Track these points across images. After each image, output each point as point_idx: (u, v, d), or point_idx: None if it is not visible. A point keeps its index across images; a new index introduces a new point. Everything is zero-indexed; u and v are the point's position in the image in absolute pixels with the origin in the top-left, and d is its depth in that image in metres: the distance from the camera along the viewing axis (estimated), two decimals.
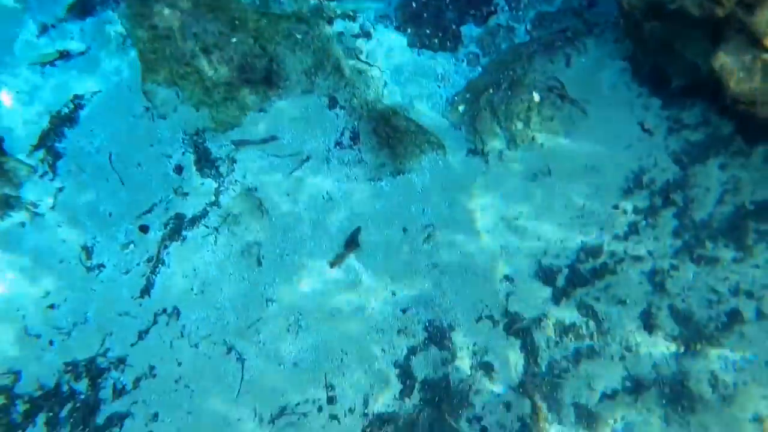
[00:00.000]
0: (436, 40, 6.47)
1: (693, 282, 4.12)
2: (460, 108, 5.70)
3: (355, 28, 6.65)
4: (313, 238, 5.01)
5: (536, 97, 5.05)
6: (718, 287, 4.03)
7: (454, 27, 6.56)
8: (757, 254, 4.11)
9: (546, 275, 4.49)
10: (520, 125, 5.10)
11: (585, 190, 4.71)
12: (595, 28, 5.74)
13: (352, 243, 4.95)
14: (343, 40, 6.37)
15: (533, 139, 5.07)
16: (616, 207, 4.50)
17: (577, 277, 4.42)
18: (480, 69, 6.29)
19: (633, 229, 4.41)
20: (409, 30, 6.60)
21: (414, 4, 6.72)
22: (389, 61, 6.37)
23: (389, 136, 5.52)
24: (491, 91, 5.53)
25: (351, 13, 6.79)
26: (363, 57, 6.29)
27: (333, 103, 5.84)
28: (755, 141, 4.34)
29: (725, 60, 3.81)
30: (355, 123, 5.69)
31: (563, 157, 4.97)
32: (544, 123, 5.06)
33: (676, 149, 4.67)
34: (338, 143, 5.65)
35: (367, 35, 6.59)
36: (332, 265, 4.91)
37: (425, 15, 6.61)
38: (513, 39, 6.38)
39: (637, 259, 4.32)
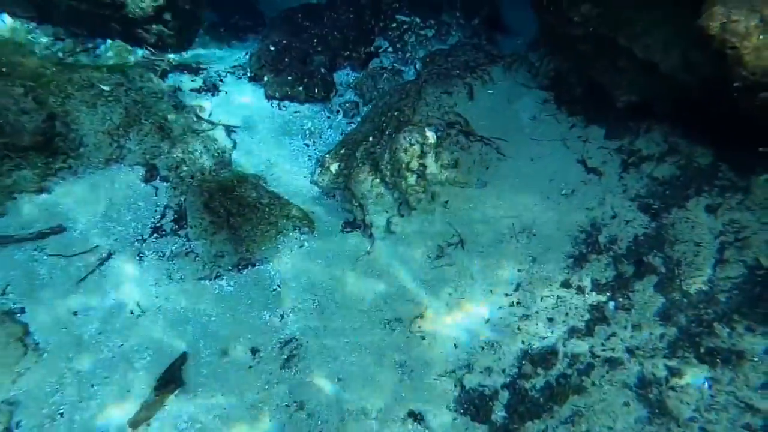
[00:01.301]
0: (301, 88, 4.93)
1: (711, 396, 2.44)
2: (333, 168, 4.07)
3: (197, 81, 5.04)
4: (109, 381, 3.09)
5: (431, 136, 3.48)
6: (757, 402, 2.36)
7: (323, 72, 5.06)
8: None
9: (474, 405, 2.71)
10: (412, 178, 3.48)
11: (516, 263, 3.09)
12: (500, 60, 4.38)
13: (169, 382, 3.04)
14: (178, 95, 4.71)
15: (433, 195, 3.43)
16: (566, 284, 2.85)
17: (523, 402, 2.66)
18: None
19: (598, 316, 2.76)
20: (266, 78, 5.04)
21: (272, 48, 5.20)
22: (240, 118, 4.76)
23: (230, 213, 3.76)
24: (371, 139, 3.94)
25: (194, 65, 5.21)
26: (205, 114, 4.64)
27: (152, 173, 4.08)
28: (751, 166, 2.89)
29: (729, 18, 2.30)
30: (182, 199, 3.92)
31: (479, 217, 3.37)
32: (446, 171, 3.46)
33: (640, 191, 3.22)
34: (156, 229, 3.84)
35: (213, 89, 4.99)
36: (135, 424, 2.95)
37: (287, 60, 5.09)
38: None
39: (613, 363, 2.64)
